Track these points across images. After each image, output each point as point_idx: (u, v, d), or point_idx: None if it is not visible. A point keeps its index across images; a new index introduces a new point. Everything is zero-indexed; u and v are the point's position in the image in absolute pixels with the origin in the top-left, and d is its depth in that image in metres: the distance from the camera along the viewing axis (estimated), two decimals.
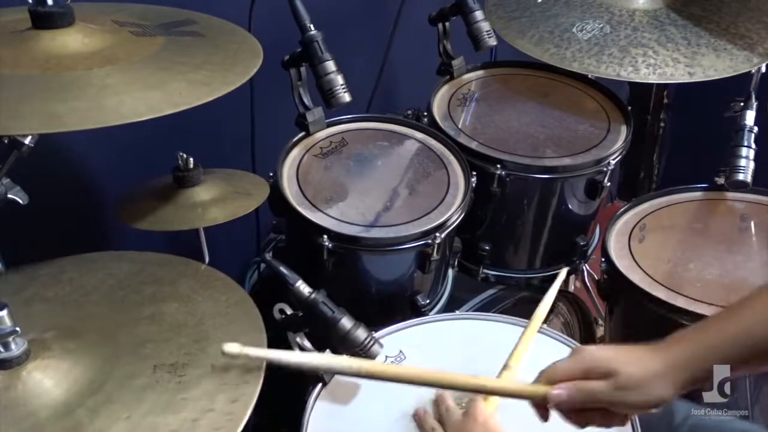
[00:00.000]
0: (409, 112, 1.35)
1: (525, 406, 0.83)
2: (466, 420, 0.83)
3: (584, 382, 0.73)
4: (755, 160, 1.29)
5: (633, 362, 0.72)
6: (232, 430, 0.67)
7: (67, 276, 0.86)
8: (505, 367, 0.88)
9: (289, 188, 1.10)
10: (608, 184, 1.28)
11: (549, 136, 1.30)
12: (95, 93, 0.71)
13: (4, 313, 0.67)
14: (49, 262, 0.89)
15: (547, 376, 0.76)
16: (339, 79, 1.09)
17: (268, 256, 0.93)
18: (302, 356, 0.85)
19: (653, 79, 1.24)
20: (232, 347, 0.72)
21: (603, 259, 1.26)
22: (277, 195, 1.08)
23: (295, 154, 1.17)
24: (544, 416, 0.76)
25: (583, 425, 0.75)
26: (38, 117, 0.68)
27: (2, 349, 0.67)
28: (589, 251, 1.44)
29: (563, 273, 1.12)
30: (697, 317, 1.10)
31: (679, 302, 1.13)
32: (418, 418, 0.87)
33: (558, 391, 0.73)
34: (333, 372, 0.90)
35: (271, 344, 0.78)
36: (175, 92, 0.73)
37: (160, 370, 0.72)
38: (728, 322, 0.73)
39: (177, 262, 0.90)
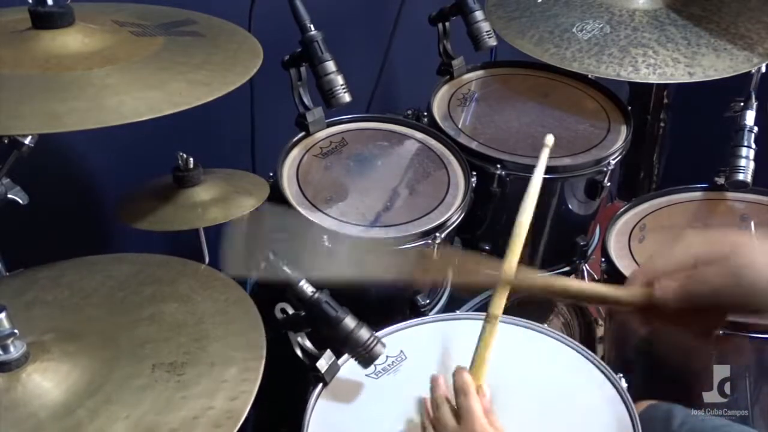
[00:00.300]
0: (409, 112, 1.35)
1: (523, 407, 0.83)
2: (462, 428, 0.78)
3: (697, 272, 0.61)
4: (755, 160, 1.29)
5: (748, 244, 0.60)
6: (232, 427, 0.67)
7: (67, 279, 0.86)
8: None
9: (289, 188, 1.10)
10: (608, 184, 1.28)
11: None
12: (95, 93, 0.71)
13: (3, 315, 0.66)
14: (49, 266, 0.88)
15: (646, 274, 0.65)
16: (339, 79, 1.09)
17: (271, 255, 0.93)
18: None
19: (653, 79, 1.24)
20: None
21: (603, 259, 1.26)
22: (277, 195, 1.08)
23: (295, 154, 1.17)
24: (646, 324, 0.65)
25: (693, 330, 0.63)
26: (38, 117, 0.68)
27: (1, 352, 0.67)
28: (589, 251, 1.44)
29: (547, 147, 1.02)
30: None
31: None
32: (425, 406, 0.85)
33: (671, 284, 0.61)
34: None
35: (271, 344, 0.78)
36: (175, 92, 0.74)
37: (158, 369, 0.72)
38: None
39: (176, 263, 0.90)
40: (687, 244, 0.63)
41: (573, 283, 0.68)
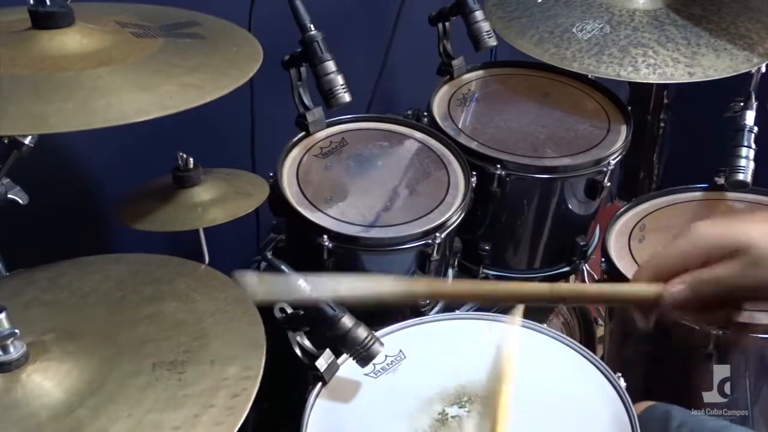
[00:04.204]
0: (409, 112, 1.35)
1: (523, 407, 0.83)
2: None
3: (707, 270, 0.57)
4: (755, 160, 1.29)
5: (763, 231, 0.57)
6: (234, 424, 0.67)
7: (65, 279, 0.85)
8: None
9: (289, 188, 1.10)
10: (608, 184, 1.28)
11: (549, 136, 1.30)
12: (85, 95, 0.71)
13: (3, 315, 0.66)
14: (46, 266, 0.88)
15: (653, 269, 0.61)
16: (339, 79, 1.09)
17: (269, 254, 0.93)
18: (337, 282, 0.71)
19: (653, 79, 1.24)
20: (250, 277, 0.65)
21: (603, 259, 1.26)
22: (277, 195, 1.08)
23: (295, 154, 1.17)
24: (650, 321, 0.61)
25: (707, 323, 0.63)
26: (24, 118, 0.67)
27: (1, 353, 0.67)
28: (589, 251, 1.44)
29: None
30: None
31: None
32: None
33: (678, 288, 0.58)
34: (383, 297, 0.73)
35: (270, 343, 0.78)
36: (166, 95, 0.73)
37: (159, 368, 0.72)
38: None
39: (175, 263, 0.90)
40: (697, 236, 0.59)
41: (587, 287, 0.63)
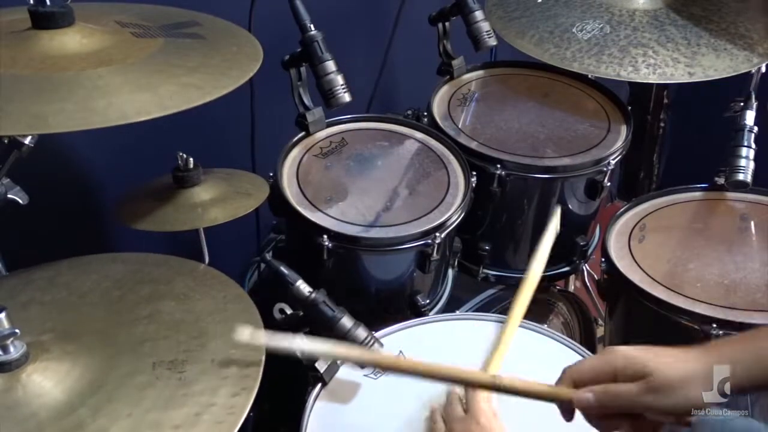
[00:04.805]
0: (409, 112, 1.35)
1: (525, 406, 0.83)
2: (468, 421, 0.82)
3: (613, 385, 0.67)
4: (755, 160, 1.29)
5: (667, 363, 0.66)
6: (235, 422, 0.67)
7: (63, 279, 0.86)
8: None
9: (289, 188, 1.10)
10: (608, 184, 1.28)
11: (549, 136, 1.30)
12: (84, 95, 0.71)
13: (3, 315, 0.67)
14: (44, 266, 0.88)
15: (571, 376, 0.71)
16: (339, 79, 1.09)
17: (268, 255, 0.93)
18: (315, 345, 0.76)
19: (653, 79, 1.24)
20: (243, 335, 0.70)
21: (603, 259, 1.26)
22: (277, 195, 1.08)
23: (295, 154, 1.17)
24: (569, 417, 0.71)
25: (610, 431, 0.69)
26: (24, 118, 0.67)
27: (1, 353, 0.67)
28: (589, 251, 1.44)
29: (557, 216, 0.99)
30: (697, 317, 1.10)
31: (679, 302, 1.13)
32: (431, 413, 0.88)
33: (585, 395, 0.68)
34: (349, 361, 0.86)
35: None
36: (166, 95, 0.73)
37: (159, 367, 0.72)
38: None
39: (173, 262, 0.90)
40: (611, 356, 0.69)
41: (505, 381, 0.72)
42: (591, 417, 0.69)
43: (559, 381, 0.72)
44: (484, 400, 0.83)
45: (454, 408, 0.85)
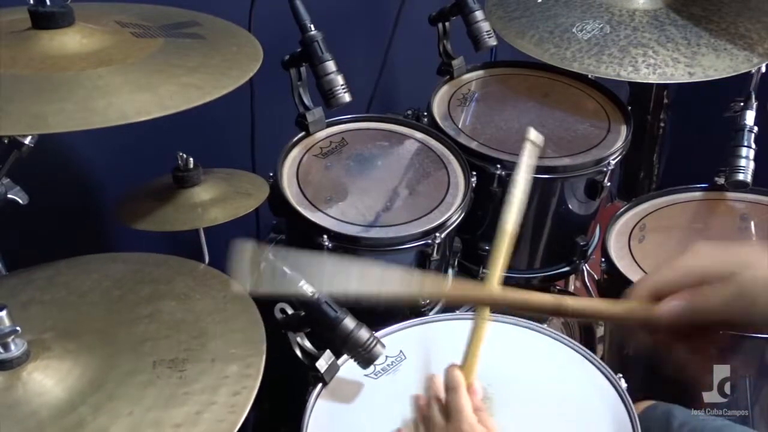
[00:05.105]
0: (409, 112, 1.35)
1: (523, 407, 0.83)
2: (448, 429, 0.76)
3: (707, 288, 0.57)
4: (755, 160, 1.29)
5: (756, 259, 0.57)
6: (235, 421, 0.67)
7: (62, 279, 0.86)
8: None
9: (289, 188, 1.10)
10: (608, 184, 1.28)
11: (549, 136, 1.30)
12: (84, 95, 0.71)
13: (4, 313, 0.67)
14: (43, 266, 0.88)
15: (651, 287, 0.60)
16: (339, 79, 1.09)
17: (271, 255, 0.93)
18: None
19: (653, 79, 1.24)
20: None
21: (603, 259, 1.26)
22: (277, 195, 1.08)
23: (295, 154, 1.17)
24: (650, 340, 0.62)
25: (694, 354, 0.61)
26: (24, 118, 0.67)
27: (2, 350, 0.67)
28: (589, 251, 1.44)
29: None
30: None
31: None
32: (417, 403, 0.84)
33: (673, 304, 0.58)
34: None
35: (271, 344, 0.78)
36: (166, 95, 0.73)
37: (160, 366, 0.72)
38: None
39: (173, 262, 0.90)
40: (695, 255, 0.59)
41: (568, 300, 0.63)
42: (675, 339, 0.60)
43: (633, 295, 0.62)
44: (465, 398, 0.76)
45: (433, 412, 0.79)
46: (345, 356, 0.92)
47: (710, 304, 0.56)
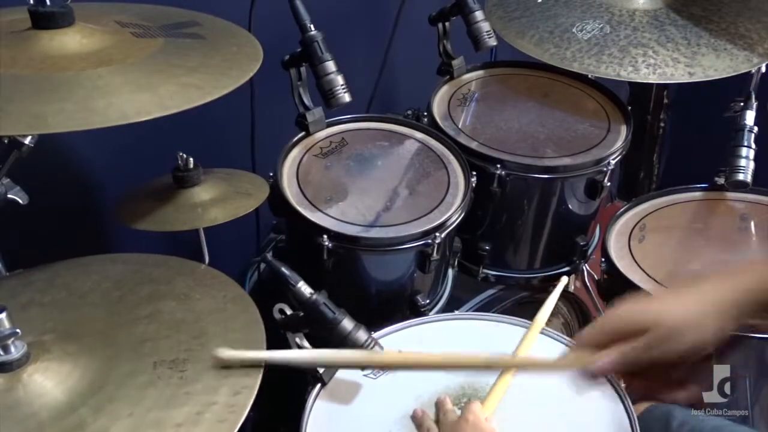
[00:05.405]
0: (409, 112, 1.35)
1: (522, 407, 0.83)
2: (459, 421, 0.82)
3: (623, 346, 0.68)
4: (755, 160, 1.29)
5: (667, 310, 0.67)
6: (236, 420, 0.67)
7: (62, 280, 0.85)
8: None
9: (289, 188, 1.10)
10: (608, 184, 1.28)
11: (549, 136, 1.30)
12: (84, 95, 0.71)
13: (3, 315, 0.67)
14: (42, 267, 0.88)
15: (589, 342, 0.72)
16: (339, 80, 1.09)
17: (269, 256, 0.93)
18: (302, 354, 0.83)
19: (653, 79, 1.24)
20: (224, 352, 0.73)
21: (603, 259, 1.26)
22: (277, 195, 1.08)
23: (295, 154, 1.17)
24: (591, 381, 0.73)
25: (648, 396, 0.73)
26: (24, 118, 0.67)
27: (2, 352, 0.67)
28: (589, 251, 1.44)
29: (563, 281, 1.12)
30: None
31: None
32: (416, 418, 0.87)
33: (604, 361, 0.69)
34: (339, 366, 0.88)
35: (271, 344, 0.78)
36: (166, 95, 0.73)
37: (160, 366, 0.72)
38: None
39: (173, 262, 0.90)
40: (615, 317, 0.70)
41: (515, 359, 0.76)
42: (631, 387, 0.72)
43: (576, 349, 0.73)
44: (478, 411, 0.81)
45: (447, 410, 0.84)
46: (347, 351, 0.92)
47: (639, 353, 0.66)
